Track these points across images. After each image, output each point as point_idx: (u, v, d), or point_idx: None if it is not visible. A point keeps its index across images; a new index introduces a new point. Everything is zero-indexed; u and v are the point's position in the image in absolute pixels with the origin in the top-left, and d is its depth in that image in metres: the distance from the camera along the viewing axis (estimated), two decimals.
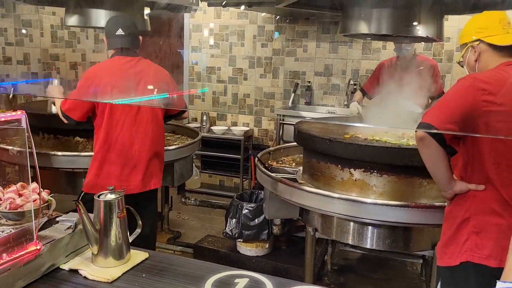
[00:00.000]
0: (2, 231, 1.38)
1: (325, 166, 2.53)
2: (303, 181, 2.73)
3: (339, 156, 2.42)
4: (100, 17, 3.09)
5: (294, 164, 3.19)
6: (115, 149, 2.41)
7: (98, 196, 1.38)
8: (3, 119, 1.14)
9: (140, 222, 1.51)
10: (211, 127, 5.02)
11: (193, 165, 4.19)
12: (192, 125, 4.84)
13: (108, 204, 1.37)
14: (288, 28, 4.81)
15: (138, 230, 1.52)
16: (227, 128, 5.05)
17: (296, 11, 4.11)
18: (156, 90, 2.53)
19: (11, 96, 4.41)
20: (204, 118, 5.11)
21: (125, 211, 1.42)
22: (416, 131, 1.70)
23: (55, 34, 5.02)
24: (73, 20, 3.15)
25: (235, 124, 5.21)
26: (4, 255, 1.19)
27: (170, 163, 3.37)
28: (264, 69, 4.97)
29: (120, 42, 2.45)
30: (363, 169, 2.38)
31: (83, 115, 2.43)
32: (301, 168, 2.92)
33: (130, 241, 1.47)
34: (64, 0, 3.17)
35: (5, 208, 1.40)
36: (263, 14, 4.76)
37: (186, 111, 2.95)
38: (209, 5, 3.88)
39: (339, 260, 3.65)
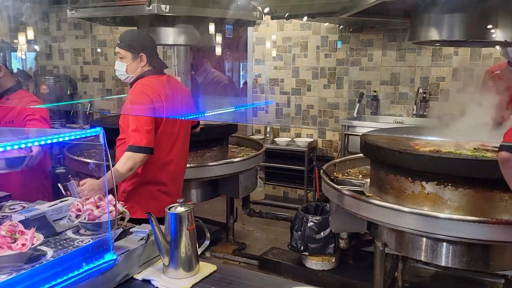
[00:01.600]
0: (82, 241, 1.46)
1: (394, 179, 2.43)
2: (370, 194, 2.64)
3: (410, 168, 2.31)
4: (168, 34, 3.22)
5: (360, 176, 3.10)
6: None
7: (169, 209, 1.42)
8: (83, 136, 1.21)
9: (208, 234, 1.53)
10: (275, 139, 5.03)
11: (257, 176, 4.22)
12: (256, 137, 4.89)
13: (178, 217, 1.40)
14: (352, 37, 4.73)
15: (206, 242, 1.55)
16: (290, 139, 5.04)
17: (360, 20, 4.04)
18: (188, 104, 2.55)
19: (87, 112, 4.72)
20: (268, 129, 5.14)
21: (194, 224, 1.44)
22: (498, 151, 1.58)
23: None
24: None
25: (298, 135, 5.18)
26: (84, 264, 1.26)
27: (235, 175, 3.41)
28: (327, 79, 4.91)
29: (160, 60, 2.40)
30: (436, 182, 2.25)
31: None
32: (368, 180, 2.83)
33: (199, 253, 1.49)
34: (136, 20, 3.34)
35: (84, 219, 1.48)
36: (326, 24, 4.72)
37: (199, 125, 2.82)
38: (272, 18, 3.93)
39: (410, 277, 3.47)
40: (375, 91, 4.69)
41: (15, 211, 1.67)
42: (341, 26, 4.72)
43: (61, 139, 1.17)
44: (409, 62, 4.51)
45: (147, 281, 1.40)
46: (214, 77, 5.74)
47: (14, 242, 1.27)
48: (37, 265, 1.25)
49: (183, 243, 1.42)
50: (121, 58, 2.29)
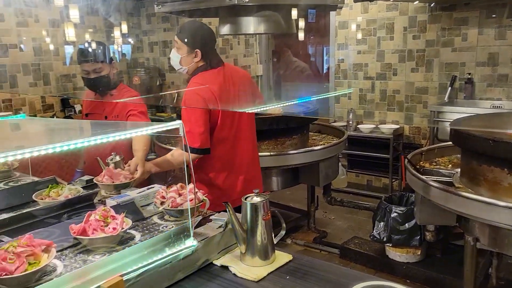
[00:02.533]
0: (166, 226, 1.55)
1: (488, 170, 2.24)
2: (461, 186, 2.47)
3: (506, 158, 2.12)
4: (249, 23, 3.25)
5: (450, 165, 2.91)
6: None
7: (245, 199, 1.45)
8: (165, 129, 1.27)
9: (284, 225, 1.55)
10: (358, 126, 4.88)
11: (340, 164, 4.15)
12: (338, 124, 4.79)
13: (254, 207, 1.43)
14: (444, 16, 4.40)
15: (282, 232, 1.56)
16: (374, 126, 4.86)
17: None
18: (247, 92, 2.45)
19: (175, 100, 4.97)
20: (351, 116, 5.01)
21: (269, 214, 1.46)
22: None
23: None
24: (225, 29, 3.38)
25: (383, 122, 4.98)
26: (167, 249, 1.34)
27: (316, 163, 3.38)
28: (416, 62, 4.64)
29: (215, 56, 2.31)
30: None
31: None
32: (458, 170, 2.64)
33: (275, 242, 1.51)
34: (217, 10, 3.42)
35: (168, 205, 1.57)
36: (416, 2, 4.44)
37: None
38: (355, 1, 3.79)
39: (506, 274, 3.20)
40: (469, 74, 4.33)
41: (109, 197, 1.82)
42: (432, 4, 4.40)
43: (145, 132, 1.25)
44: (510, 40, 4.09)
45: (225, 267, 1.46)
46: (296, 66, 5.70)
47: (106, 226, 1.38)
48: (126, 248, 1.36)
49: (259, 232, 1.44)
50: (177, 48, 2.24)
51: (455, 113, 3.94)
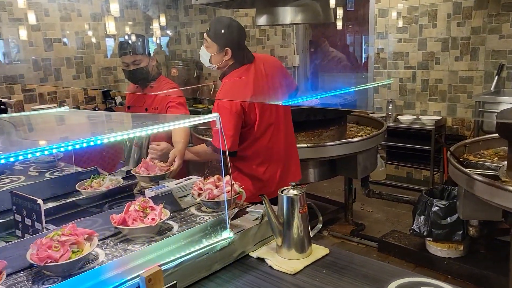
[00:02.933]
0: (203, 218, 1.57)
1: None
2: (507, 179, 2.36)
3: None
4: (286, 14, 3.21)
5: (496, 158, 2.78)
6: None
7: (282, 192, 1.45)
8: (202, 121, 1.28)
9: (321, 218, 1.53)
10: (398, 117, 4.76)
11: (378, 156, 4.06)
12: (377, 115, 4.68)
13: (290, 200, 1.42)
14: (491, 2, 4.18)
15: (319, 226, 1.54)
16: (415, 117, 4.71)
17: None
18: (281, 82, 2.40)
19: (212, 91, 5.01)
20: (390, 107, 4.88)
21: (306, 207, 1.45)
22: None
23: (248, 34, 5.46)
24: (262, 19, 3.36)
25: (424, 113, 4.82)
26: (204, 240, 1.35)
27: (353, 155, 3.33)
28: (460, 50, 4.45)
29: (246, 54, 2.24)
30: None
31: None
32: (505, 163, 2.53)
33: (311, 235, 1.49)
34: (255, 1, 3.40)
35: (205, 197, 1.59)
36: None
37: None
38: None
39: None
40: None
41: (148, 188, 1.86)
42: None
43: (182, 125, 1.26)
44: None
45: (261, 259, 1.46)
46: (333, 56, 5.61)
47: (145, 217, 1.41)
48: (164, 238, 1.39)
49: (295, 225, 1.43)
50: (206, 46, 2.21)
51: (502, 103, 3.76)
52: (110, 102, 5.19)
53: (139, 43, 2.60)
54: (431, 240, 3.23)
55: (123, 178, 1.98)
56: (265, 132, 2.26)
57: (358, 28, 6.15)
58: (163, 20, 5.64)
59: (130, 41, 2.60)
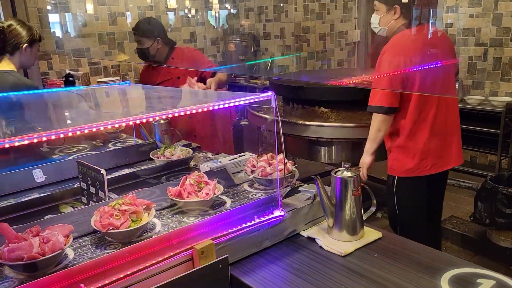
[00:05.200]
0: (255, 195, 1.59)
1: None
2: None
3: None
4: None
5: None
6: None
7: (335, 173, 1.43)
8: (256, 100, 1.28)
9: (374, 201, 1.50)
10: (465, 97, 4.49)
11: None
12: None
13: (344, 181, 1.40)
14: None
15: (372, 209, 1.52)
16: (484, 98, 4.43)
17: None
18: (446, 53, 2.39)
19: (268, 68, 4.98)
20: (457, 86, 4.61)
21: (360, 189, 1.42)
22: None
23: (307, 8, 5.34)
24: None
25: (495, 93, 4.51)
26: (255, 217, 1.37)
27: None
28: None
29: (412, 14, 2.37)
30: None
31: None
32: None
33: (364, 218, 1.47)
34: None
35: (258, 174, 1.60)
36: None
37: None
38: None
39: None
40: None
41: (203, 162, 1.91)
42: None
43: (236, 104, 1.27)
44: None
45: (311, 239, 1.46)
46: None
47: (200, 191, 1.45)
48: (218, 213, 1.42)
49: (348, 207, 1.42)
50: (376, 10, 2.33)
51: None
52: None
53: (146, 27, 2.89)
54: (493, 228, 3.07)
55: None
56: (427, 102, 2.25)
57: (425, 0, 5.80)
58: None
59: (141, 24, 2.92)
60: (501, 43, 4.37)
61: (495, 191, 2.99)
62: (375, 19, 2.35)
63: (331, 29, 5.57)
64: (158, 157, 1.96)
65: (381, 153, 3.42)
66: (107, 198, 1.51)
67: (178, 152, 1.96)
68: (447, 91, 2.36)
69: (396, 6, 2.25)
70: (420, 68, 2.19)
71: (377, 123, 2.27)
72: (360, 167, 2.40)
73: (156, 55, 2.89)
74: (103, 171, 1.51)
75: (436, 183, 2.43)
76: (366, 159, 2.38)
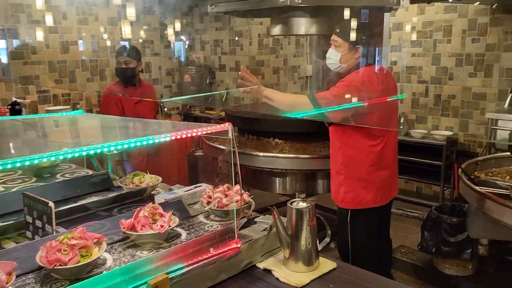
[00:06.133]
0: (211, 226, 1.57)
1: None
2: None
3: None
4: (301, 25, 3.23)
5: (508, 177, 2.75)
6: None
7: (291, 203, 1.45)
8: (214, 130, 1.29)
9: (329, 231, 1.52)
10: (409, 131, 4.73)
11: None
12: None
13: (300, 212, 1.42)
14: (506, 19, 4.16)
15: (327, 239, 1.54)
16: (427, 132, 4.69)
17: None
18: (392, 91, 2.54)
19: (223, 99, 5.03)
20: (402, 120, 4.85)
21: (315, 220, 1.44)
22: None
23: (261, 42, 5.50)
24: (277, 29, 3.38)
25: (436, 127, 4.79)
26: (211, 249, 1.35)
27: None
28: (474, 67, 4.42)
29: (374, 52, 2.50)
30: None
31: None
32: None
33: (319, 248, 1.49)
34: (270, 11, 3.42)
35: (214, 205, 1.59)
36: (477, 3, 4.23)
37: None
38: (411, 2, 3.67)
39: None
40: None
41: (158, 193, 1.87)
42: (494, 6, 4.18)
43: (193, 134, 1.27)
44: None
45: (268, 271, 1.45)
46: None
47: (154, 223, 1.42)
48: (172, 246, 1.39)
49: (304, 238, 1.43)
50: (336, 46, 2.38)
51: None
52: None
53: (133, 50, 3.39)
54: (439, 257, 3.19)
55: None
56: (380, 135, 2.35)
57: (373, 39, 6.14)
58: (178, 26, 5.70)
59: (127, 45, 3.42)
60: (440, 81, 4.68)
61: (439, 221, 3.13)
62: (334, 55, 2.41)
63: (284, 63, 5.74)
64: (126, 185, 1.92)
65: None
66: (54, 232, 1.44)
67: (147, 179, 1.93)
68: (393, 125, 2.50)
69: (359, 46, 2.37)
70: (371, 103, 2.31)
71: (301, 104, 2.35)
72: (314, 198, 2.45)
73: (136, 76, 3.36)
74: (51, 204, 1.45)
75: (385, 212, 2.52)
76: (260, 90, 2.37)
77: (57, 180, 2.10)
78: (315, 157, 3.15)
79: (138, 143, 1.22)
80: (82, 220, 1.65)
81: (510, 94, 4.16)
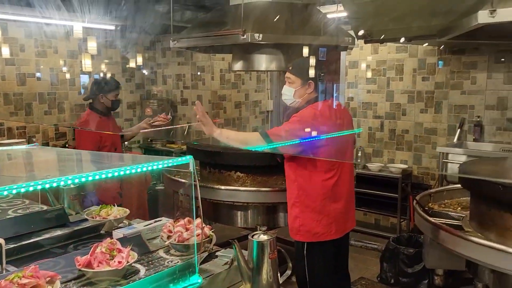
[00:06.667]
0: (171, 261, 1.55)
1: (498, 215, 2.21)
2: (470, 230, 2.43)
3: None
4: (262, 61, 3.33)
5: (459, 208, 2.87)
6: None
7: (252, 236, 1.45)
8: (174, 163, 1.29)
9: (290, 264, 1.53)
10: (366, 164, 4.88)
11: None
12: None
13: (261, 245, 1.43)
14: (453, 59, 4.46)
15: (288, 272, 1.55)
16: (383, 165, 4.85)
17: (462, 41, 3.80)
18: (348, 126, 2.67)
19: (185, 133, 5.03)
20: (359, 154, 5.01)
21: (276, 253, 1.45)
22: None
23: (223, 77, 5.59)
24: (238, 65, 3.46)
25: (392, 161, 4.97)
26: (171, 285, 1.33)
27: None
28: (425, 103, 4.67)
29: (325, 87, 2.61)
30: None
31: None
32: (468, 213, 2.61)
33: (280, 282, 1.49)
34: (231, 48, 3.51)
35: (175, 240, 1.57)
36: (426, 44, 4.52)
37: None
38: (366, 42, 3.86)
39: None
40: (478, 116, 4.35)
41: (116, 228, 1.83)
42: (442, 47, 4.48)
43: (154, 167, 1.27)
44: None
45: None
46: None
47: (112, 259, 1.39)
48: (130, 282, 1.36)
49: (265, 271, 1.43)
50: (290, 83, 2.50)
51: (464, 155, 3.93)
52: None
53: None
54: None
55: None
56: (333, 168, 2.42)
57: (331, 76, 6.38)
58: (140, 60, 5.71)
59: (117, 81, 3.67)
60: (394, 116, 4.90)
61: (397, 252, 3.21)
62: (288, 91, 2.52)
63: (246, 97, 5.84)
64: (93, 217, 1.88)
65: None
66: (4, 271, 1.37)
67: (115, 212, 1.89)
68: (346, 158, 2.59)
69: (311, 81, 2.47)
70: (325, 137, 2.40)
71: (253, 140, 2.42)
72: (275, 231, 2.46)
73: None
74: (1, 241, 1.39)
75: (342, 245, 2.56)
76: (212, 130, 2.46)
77: (8, 216, 2.01)
78: (276, 190, 3.18)
79: (97, 177, 1.20)
80: (35, 257, 1.58)
81: (458, 130, 4.41)
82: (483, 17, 1.97)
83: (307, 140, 2.37)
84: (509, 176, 2.23)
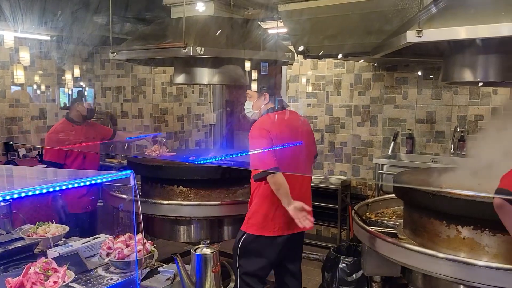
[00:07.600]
0: (111, 279, 1.50)
1: (428, 222, 2.36)
2: (404, 237, 2.56)
3: (444, 211, 2.24)
4: (203, 75, 3.34)
5: (394, 217, 3.02)
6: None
7: (195, 250, 1.44)
8: (114, 178, 1.26)
9: (233, 277, 1.54)
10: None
11: None
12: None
13: (204, 258, 1.42)
14: (386, 76, 4.73)
15: (231, 285, 1.55)
16: (323, 177, 5.00)
17: (394, 59, 4.04)
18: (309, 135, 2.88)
19: (125, 147, 4.90)
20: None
21: (219, 266, 1.45)
22: (493, 198, 1.58)
23: (165, 91, 5.52)
24: (180, 78, 3.44)
25: (331, 172, 5.14)
26: None
27: None
28: (361, 117, 4.90)
29: (281, 98, 2.83)
30: (472, 227, 2.17)
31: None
32: (402, 221, 2.76)
33: None
34: (173, 61, 3.49)
35: (114, 257, 1.52)
36: (361, 61, 4.75)
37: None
38: (305, 57, 4.00)
39: None
40: (410, 130, 4.62)
41: (51, 248, 1.74)
42: (375, 64, 4.73)
43: (93, 182, 1.23)
44: (445, 100, 4.44)
45: None
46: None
47: (47, 279, 1.32)
48: None
49: (208, 285, 1.43)
50: (249, 97, 2.78)
51: (397, 166, 4.15)
52: (12, 154, 4.81)
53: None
54: None
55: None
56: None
57: (273, 90, 6.50)
58: (77, 72, 5.50)
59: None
60: (333, 129, 5.09)
61: (337, 261, 3.30)
62: (248, 104, 2.79)
63: (188, 111, 5.80)
64: (29, 236, 1.79)
65: (238, 230, 3.53)
66: None
67: (53, 229, 1.80)
68: (304, 170, 2.73)
69: (266, 93, 2.73)
70: (280, 147, 2.53)
71: (278, 180, 2.57)
72: (218, 244, 2.46)
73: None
74: None
75: (283, 246, 2.71)
76: (290, 207, 2.58)
77: None
78: (220, 204, 3.17)
79: (30, 193, 1.15)
80: None
81: (393, 142, 4.66)
82: (411, 36, 2.12)
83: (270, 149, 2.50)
84: (437, 185, 2.38)
